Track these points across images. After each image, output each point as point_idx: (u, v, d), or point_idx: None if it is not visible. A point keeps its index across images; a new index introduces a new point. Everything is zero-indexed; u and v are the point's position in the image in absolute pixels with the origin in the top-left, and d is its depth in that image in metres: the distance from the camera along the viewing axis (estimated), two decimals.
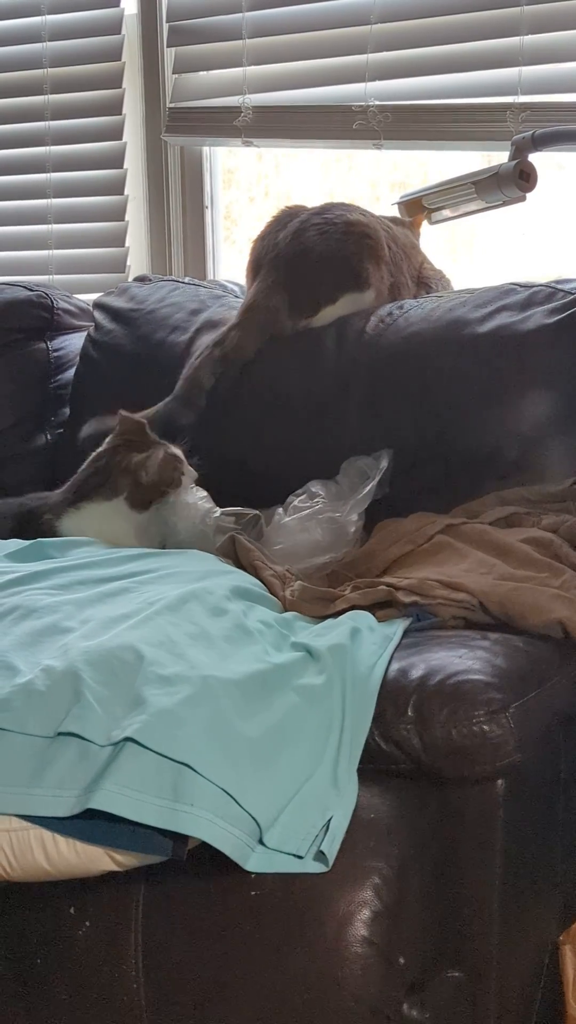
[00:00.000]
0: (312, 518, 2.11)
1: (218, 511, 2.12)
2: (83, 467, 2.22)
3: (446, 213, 2.54)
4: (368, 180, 3.05)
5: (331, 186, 3.07)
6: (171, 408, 2.35)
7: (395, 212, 2.59)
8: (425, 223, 2.58)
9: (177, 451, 2.19)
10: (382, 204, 2.75)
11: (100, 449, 2.21)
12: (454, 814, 1.54)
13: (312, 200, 2.52)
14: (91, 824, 1.38)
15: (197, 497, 2.14)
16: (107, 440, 2.21)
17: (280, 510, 2.16)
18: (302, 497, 2.17)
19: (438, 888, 1.52)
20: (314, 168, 3.09)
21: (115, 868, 1.42)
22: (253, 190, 3.15)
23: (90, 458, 2.22)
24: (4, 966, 1.50)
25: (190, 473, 2.18)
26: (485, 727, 1.50)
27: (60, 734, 1.44)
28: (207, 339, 2.44)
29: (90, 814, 1.37)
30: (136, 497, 2.14)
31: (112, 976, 1.45)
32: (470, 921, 1.54)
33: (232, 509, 2.14)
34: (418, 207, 2.55)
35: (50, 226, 3.11)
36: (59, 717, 1.45)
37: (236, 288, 2.64)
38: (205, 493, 2.16)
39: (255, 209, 3.11)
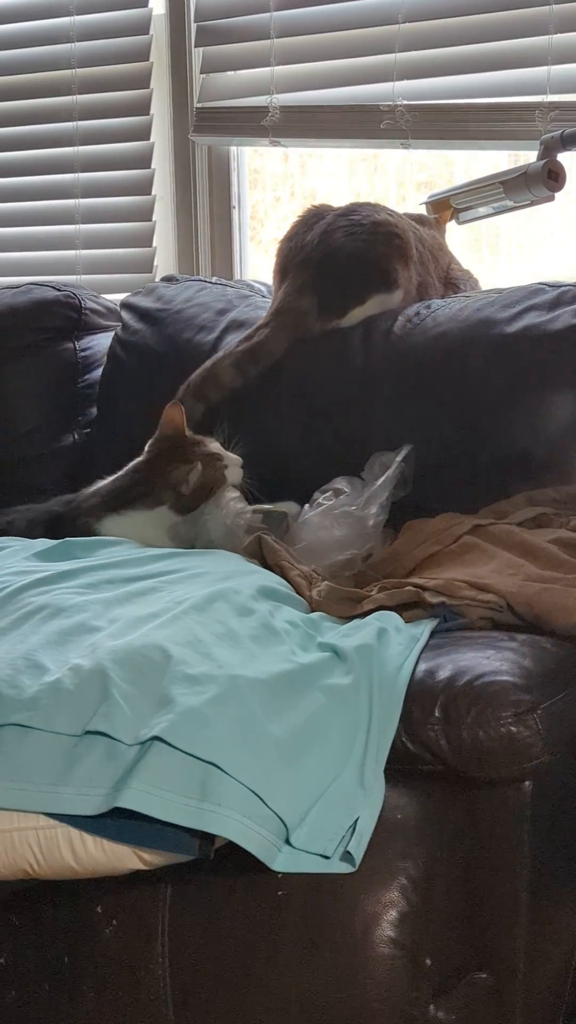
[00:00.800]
0: (330, 513, 2.11)
1: (249, 510, 2.12)
2: (123, 474, 2.21)
3: (474, 213, 2.53)
4: (394, 180, 3.05)
5: (357, 186, 3.07)
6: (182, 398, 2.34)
7: (420, 211, 2.58)
8: (452, 223, 2.58)
9: (215, 447, 2.18)
10: (408, 204, 2.74)
11: (139, 460, 2.21)
12: (481, 815, 1.54)
13: (338, 200, 2.52)
14: (118, 823, 1.38)
15: (228, 497, 2.14)
16: (147, 447, 2.21)
17: (306, 507, 2.16)
18: (327, 494, 2.17)
19: (465, 889, 1.51)
20: (340, 168, 3.09)
21: (142, 867, 1.42)
22: (279, 190, 3.15)
23: (130, 467, 2.21)
24: (32, 964, 1.51)
25: (233, 461, 2.18)
26: (513, 728, 1.50)
27: (88, 733, 1.45)
28: (233, 338, 2.45)
29: (118, 813, 1.37)
30: (180, 505, 2.14)
31: (139, 975, 1.46)
32: (497, 923, 1.54)
33: (261, 507, 2.14)
34: (445, 207, 2.55)
35: (78, 226, 3.12)
36: (87, 716, 1.46)
37: (263, 288, 2.64)
38: (237, 493, 2.16)
39: (281, 209, 3.11)
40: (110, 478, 2.23)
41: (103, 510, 2.15)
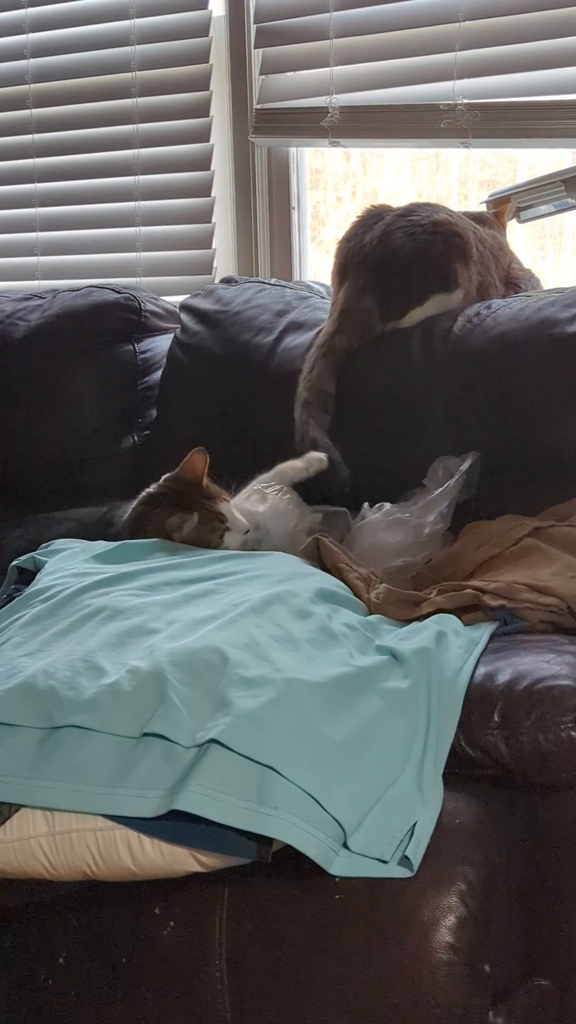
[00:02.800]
0: (386, 519, 2.11)
1: (308, 510, 2.11)
2: (134, 504, 2.15)
3: (535, 211, 2.51)
4: (457, 178, 3.03)
5: (420, 185, 3.05)
6: (309, 424, 2.31)
7: (480, 210, 2.57)
8: (514, 221, 2.56)
9: (224, 508, 2.08)
10: (471, 202, 2.73)
11: (150, 491, 2.14)
12: (541, 820, 1.53)
13: (400, 199, 2.51)
14: (176, 825, 1.39)
15: (289, 503, 2.13)
16: (161, 481, 2.15)
17: (364, 507, 2.16)
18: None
19: (525, 895, 1.50)
20: (402, 167, 3.07)
21: (200, 869, 1.42)
22: (340, 190, 3.15)
23: (142, 496, 2.15)
24: (90, 965, 1.51)
25: (238, 527, 2.07)
26: (573, 733, 1.48)
27: (145, 735, 1.46)
28: (292, 340, 2.44)
29: (175, 815, 1.38)
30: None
31: (196, 976, 1.46)
32: (557, 929, 1.52)
33: (320, 507, 2.13)
34: (505, 205, 2.53)
35: (138, 228, 3.13)
36: (144, 718, 1.46)
37: (322, 289, 2.64)
38: (296, 496, 2.15)
39: (343, 209, 3.11)
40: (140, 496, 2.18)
41: (126, 535, 2.12)
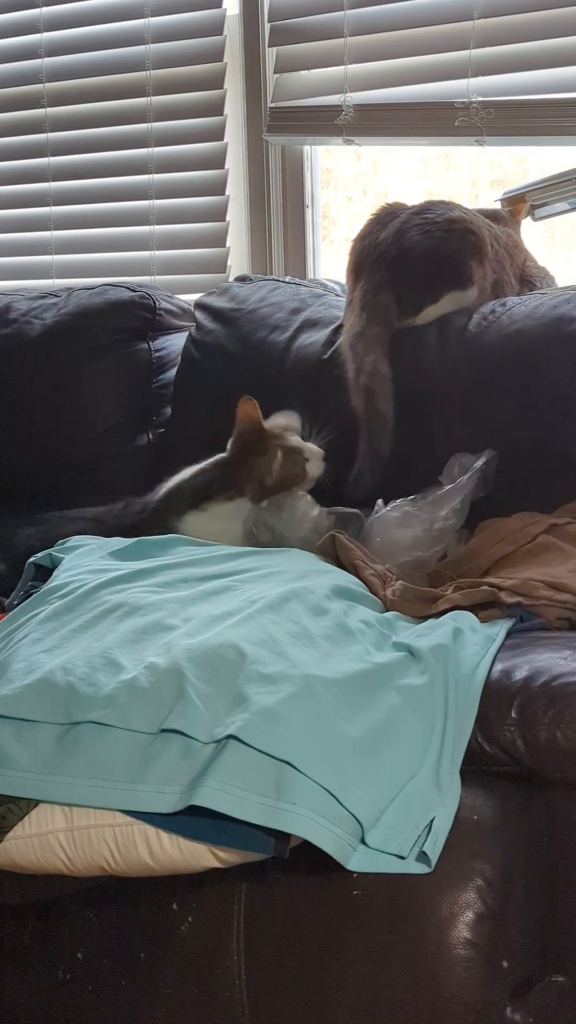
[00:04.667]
0: (396, 516, 2.11)
1: (323, 512, 2.11)
2: (203, 468, 2.22)
3: (550, 209, 2.51)
4: (467, 178, 3.03)
5: (430, 184, 3.05)
6: (376, 408, 2.28)
7: (494, 208, 2.56)
8: (528, 219, 2.56)
9: (295, 441, 2.18)
10: (481, 202, 2.73)
11: (222, 456, 2.22)
12: (559, 816, 1.52)
13: (410, 198, 2.51)
14: (194, 821, 1.39)
15: (302, 500, 2.14)
16: (229, 444, 2.22)
17: (379, 504, 2.16)
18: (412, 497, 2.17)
19: (542, 891, 1.50)
20: (412, 166, 3.07)
21: (218, 865, 1.42)
22: (351, 189, 3.15)
23: (211, 462, 2.22)
24: (108, 960, 1.52)
25: (314, 454, 2.17)
26: None
27: (163, 731, 1.46)
28: (307, 338, 2.44)
29: (193, 811, 1.38)
30: (261, 497, 2.15)
31: (214, 972, 1.46)
32: (575, 925, 1.52)
33: (335, 508, 2.14)
34: (521, 203, 2.52)
35: (152, 227, 3.14)
36: (163, 714, 1.47)
37: (336, 287, 2.64)
38: (309, 497, 2.16)
39: (353, 208, 3.11)
40: (186, 474, 2.24)
41: (185, 507, 2.17)
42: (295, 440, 2.19)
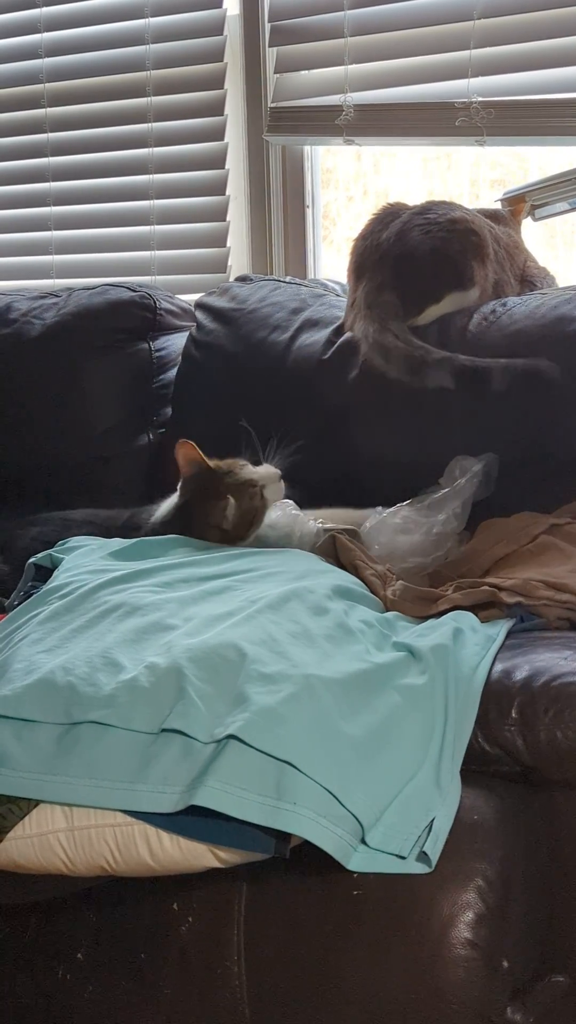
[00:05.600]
0: (395, 521, 2.10)
1: (320, 531, 2.10)
2: (165, 518, 2.14)
3: (551, 209, 2.51)
4: (468, 178, 3.03)
5: (430, 184, 3.05)
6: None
7: (494, 208, 2.56)
8: (529, 219, 2.56)
9: (246, 473, 2.10)
10: (482, 202, 2.72)
11: (177, 503, 2.13)
12: (559, 816, 1.53)
13: (411, 199, 2.51)
14: (194, 821, 1.39)
15: (298, 522, 2.12)
16: (179, 490, 2.14)
17: (378, 509, 2.16)
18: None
19: (543, 891, 1.50)
20: (413, 166, 3.07)
21: (218, 865, 1.42)
22: (351, 189, 3.15)
23: (172, 506, 2.14)
24: (109, 960, 1.52)
25: (268, 479, 2.10)
26: None
27: (164, 730, 1.46)
28: (307, 338, 2.44)
29: (194, 811, 1.38)
30: (228, 539, 2.08)
31: (214, 972, 1.46)
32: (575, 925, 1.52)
33: (330, 525, 2.13)
34: (521, 203, 2.52)
35: (153, 227, 3.14)
36: (163, 714, 1.47)
37: (337, 287, 2.64)
38: (303, 514, 2.13)
39: (354, 208, 3.11)
40: (159, 514, 2.17)
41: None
42: (246, 473, 2.10)
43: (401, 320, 2.32)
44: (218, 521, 2.06)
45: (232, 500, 2.07)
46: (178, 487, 2.16)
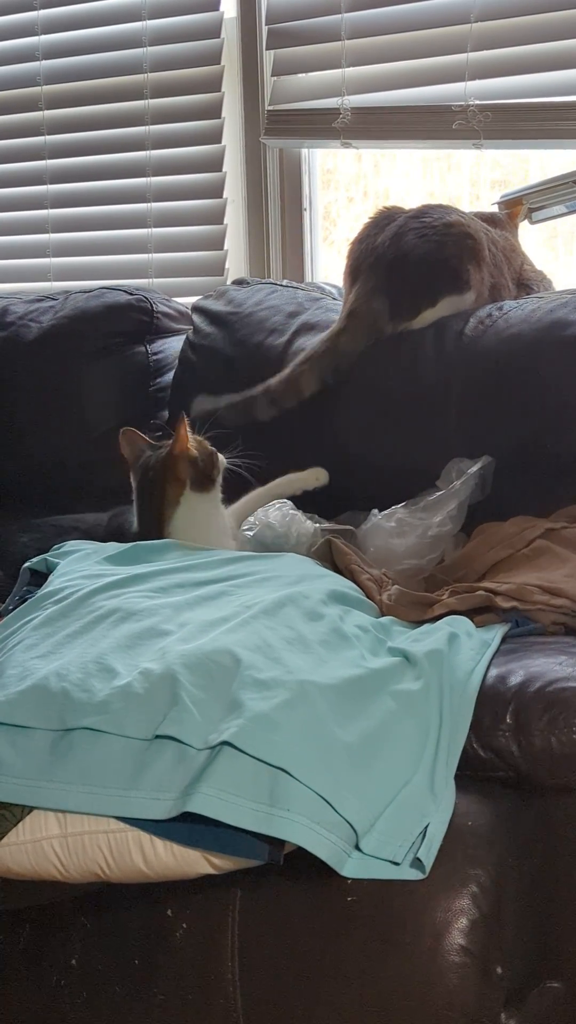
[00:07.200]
0: (390, 523, 2.10)
1: (318, 531, 2.10)
2: (136, 509, 2.19)
3: (548, 212, 2.51)
4: (468, 179, 3.03)
5: (431, 185, 3.05)
6: (257, 400, 2.34)
7: (492, 211, 2.56)
8: (526, 222, 2.56)
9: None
10: (482, 203, 2.72)
11: (137, 485, 2.19)
12: (553, 822, 1.52)
13: (411, 200, 2.50)
14: (188, 827, 1.39)
15: (296, 521, 2.12)
16: (132, 478, 2.20)
17: (374, 512, 2.15)
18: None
19: (537, 897, 1.50)
20: (413, 167, 3.07)
21: (212, 871, 1.42)
22: (352, 190, 3.15)
23: (136, 499, 2.19)
24: (103, 966, 1.51)
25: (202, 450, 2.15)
26: None
27: (158, 737, 1.46)
28: (304, 342, 2.44)
29: (187, 817, 1.38)
30: (199, 477, 2.12)
31: (208, 978, 1.46)
32: (570, 931, 1.52)
33: (328, 525, 2.13)
34: (518, 206, 2.52)
35: (150, 230, 3.14)
36: (157, 720, 1.47)
37: (333, 290, 2.64)
38: (301, 514, 2.15)
39: (354, 209, 3.11)
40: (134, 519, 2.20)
41: (162, 524, 2.13)
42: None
43: (385, 327, 2.33)
44: (182, 449, 2.10)
45: (194, 442, 2.12)
46: (131, 477, 2.19)
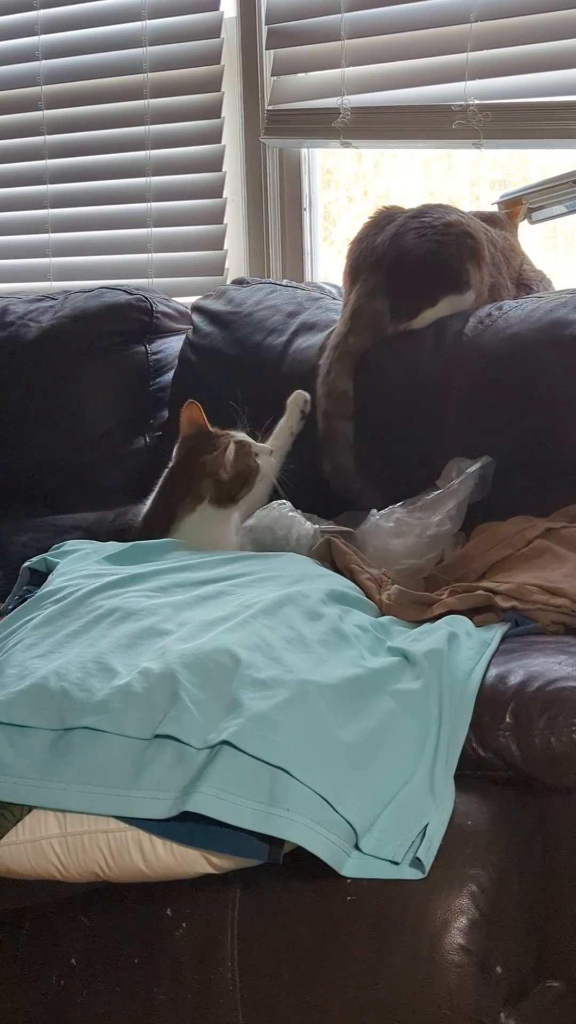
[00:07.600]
0: (389, 523, 2.10)
1: (317, 532, 2.10)
2: (157, 491, 2.22)
3: (548, 212, 2.51)
4: (468, 179, 3.03)
5: (431, 185, 3.05)
6: (334, 427, 2.31)
7: (492, 211, 2.56)
8: (526, 222, 2.55)
9: (242, 436, 2.18)
10: (482, 203, 2.72)
11: (170, 466, 2.22)
12: (553, 822, 1.52)
13: (411, 199, 2.50)
14: (188, 827, 1.39)
15: (295, 522, 2.12)
16: (174, 452, 2.23)
17: (373, 511, 2.15)
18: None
19: (537, 897, 1.50)
20: (414, 167, 3.07)
21: (211, 871, 1.42)
22: (352, 190, 3.15)
23: (163, 478, 2.22)
24: (102, 965, 1.51)
25: (262, 450, 2.18)
26: None
27: (157, 736, 1.46)
28: (303, 341, 2.44)
29: (187, 817, 1.38)
30: (221, 495, 2.14)
31: (208, 977, 1.46)
32: (569, 930, 1.52)
33: (327, 527, 2.13)
34: (518, 206, 2.52)
35: (150, 230, 3.14)
36: (156, 719, 1.47)
37: (333, 290, 2.64)
38: (300, 514, 2.14)
39: (354, 209, 3.11)
40: (150, 499, 2.23)
41: (154, 536, 2.14)
42: (242, 436, 2.19)
43: (387, 327, 2.33)
44: (215, 469, 2.11)
45: (233, 445, 2.13)
46: (174, 450, 2.22)
